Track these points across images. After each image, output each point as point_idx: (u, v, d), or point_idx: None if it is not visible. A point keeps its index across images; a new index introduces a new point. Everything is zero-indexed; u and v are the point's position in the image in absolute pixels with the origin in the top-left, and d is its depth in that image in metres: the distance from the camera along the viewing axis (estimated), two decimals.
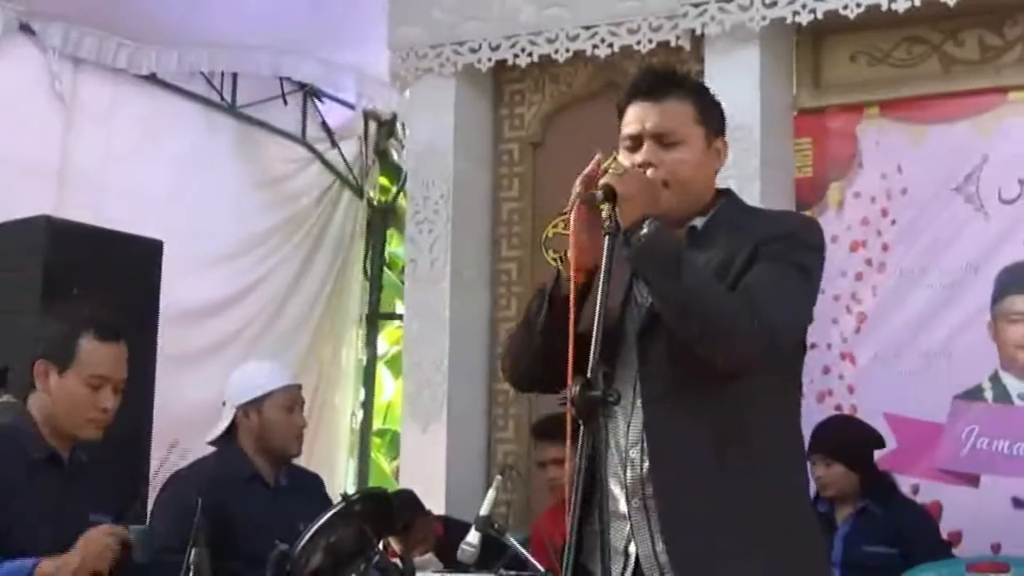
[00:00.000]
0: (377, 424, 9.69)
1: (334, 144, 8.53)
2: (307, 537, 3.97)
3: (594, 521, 2.81)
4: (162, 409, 6.49)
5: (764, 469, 2.97)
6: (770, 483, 2.97)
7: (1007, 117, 6.02)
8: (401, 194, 8.56)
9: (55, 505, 4.11)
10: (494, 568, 4.69)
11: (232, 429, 5.01)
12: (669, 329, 2.92)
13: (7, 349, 5.21)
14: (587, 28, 6.43)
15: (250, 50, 7.61)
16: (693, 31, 6.20)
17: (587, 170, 2.94)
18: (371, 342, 8.83)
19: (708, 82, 6.06)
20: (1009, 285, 5.95)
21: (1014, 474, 5.81)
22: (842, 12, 5.94)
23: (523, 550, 4.64)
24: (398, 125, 8.70)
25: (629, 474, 2.99)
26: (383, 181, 9.18)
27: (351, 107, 8.47)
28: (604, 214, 2.86)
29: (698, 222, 3.09)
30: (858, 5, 5.90)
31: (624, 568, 3.00)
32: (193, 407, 6.47)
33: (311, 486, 5.20)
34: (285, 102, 8.17)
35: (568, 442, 2.74)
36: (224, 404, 5.06)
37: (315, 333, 8.24)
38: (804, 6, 6.00)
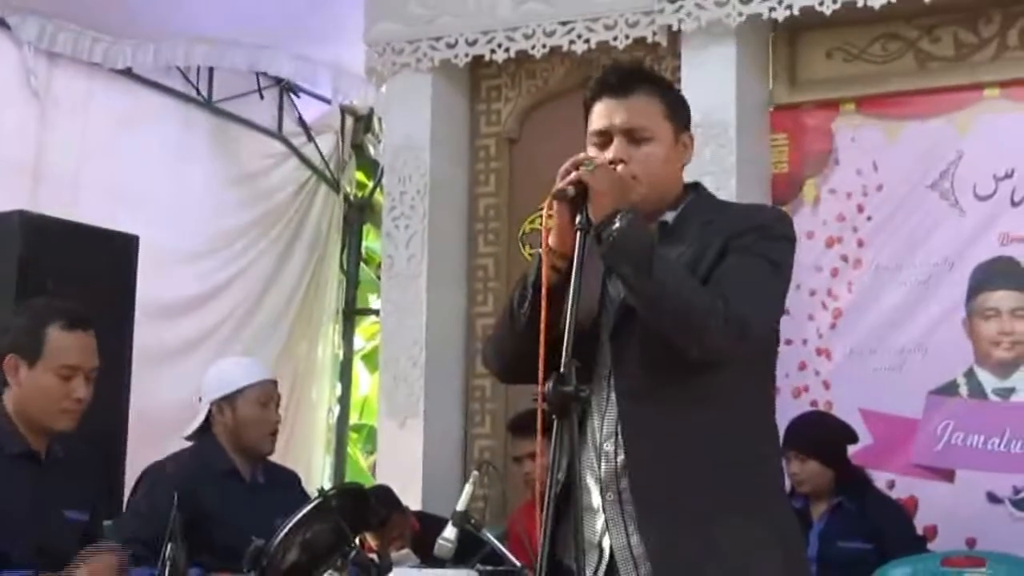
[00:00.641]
0: (354, 419, 9.69)
1: (310, 139, 8.52)
2: (283, 532, 3.96)
3: (569, 515, 2.81)
4: (138, 405, 6.48)
5: (739, 462, 2.97)
6: (745, 476, 2.98)
7: (982, 114, 6.04)
8: (378, 189, 8.55)
9: (32, 501, 4.10)
10: (471, 563, 4.69)
11: (208, 425, 5.01)
12: (642, 323, 2.93)
13: None
14: (564, 24, 6.43)
15: (226, 45, 7.60)
16: (670, 27, 6.20)
17: (564, 166, 2.94)
18: (348, 337, 8.83)
19: (685, 78, 6.16)
20: (983, 281, 5.97)
21: (989, 469, 5.84)
22: (818, 8, 5.95)
23: (500, 545, 4.64)
24: (375, 120, 8.69)
25: (603, 467, 2.99)
26: (360, 176, 9.17)
27: (327, 102, 8.46)
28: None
29: (668, 217, 3.10)
30: (834, 1, 5.91)
31: (599, 561, 3.01)
32: (170, 403, 6.46)
33: (288, 482, 5.20)
34: (261, 97, 8.16)
35: (539, 437, 2.74)
36: (200, 400, 5.06)
37: (292, 328, 8.23)
38: (780, 2, 6.01)
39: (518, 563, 4.41)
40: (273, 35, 7.60)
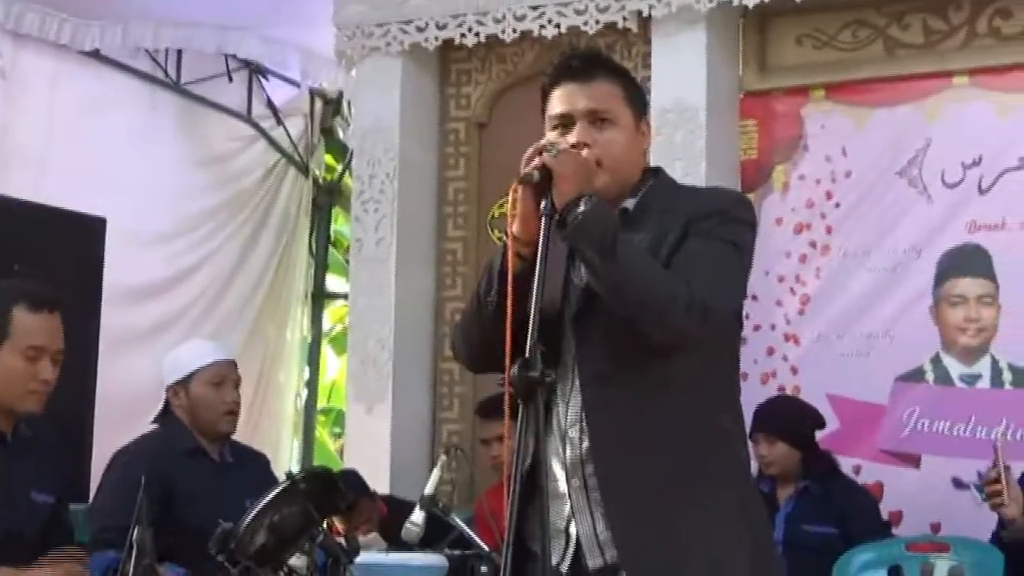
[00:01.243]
0: (322, 403, 9.68)
1: (279, 122, 8.50)
2: (251, 515, 3.96)
3: (535, 501, 2.81)
4: (106, 388, 6.47)
5: (704, 446, 2.98)
6: (710, 461, 2.98)
7: (951, 101, 6.07)
8: (347, 173, 8.53)
9: None
10: (438, 547, 4.70)
11: (169, 408, 5.00)
12: (606, 308, 2.93)
13: None
14: (534, 8, 6.42)
15: (195, 27, 7.56)
16: (640, 12, 6.20)
17: (528, 152, 2.93)
18: (316, 321, 8.81)
19: (655, 64, 6.17)
20: (951, 268, 6.00)
21: (954, 455, 5.87)
22: None
23: (467, 529, 4.65)
24: (344, 103, 8.67)
25: (569, 453, 2.99)
26: (328, 159, 9.15)
27: (296, 85, 8.43)
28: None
29: (629, 204, 3.09)
30: None
31: (566, 547, 3.01)
32: (138, 386, 6.44)
33: (256, 464, 5.19)
34: (230, 79, 8.12)
35: (506, 422, 2.74)
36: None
37: (260, 312, 8.21)
38: None
39: (486, 547, 4.42)
40: (242, 17, 7.57)
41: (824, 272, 6.23)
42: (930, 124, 6.07)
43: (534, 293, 2.75)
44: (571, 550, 3.01)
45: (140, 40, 7.41)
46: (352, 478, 5.34)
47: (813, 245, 6.25)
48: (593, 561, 2.98)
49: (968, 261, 5.97)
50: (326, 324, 9.36)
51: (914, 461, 5.97)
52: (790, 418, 5.61)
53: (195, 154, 7.94)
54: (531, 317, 2.72)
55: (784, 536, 5.41)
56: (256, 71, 8.32)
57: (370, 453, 6.55)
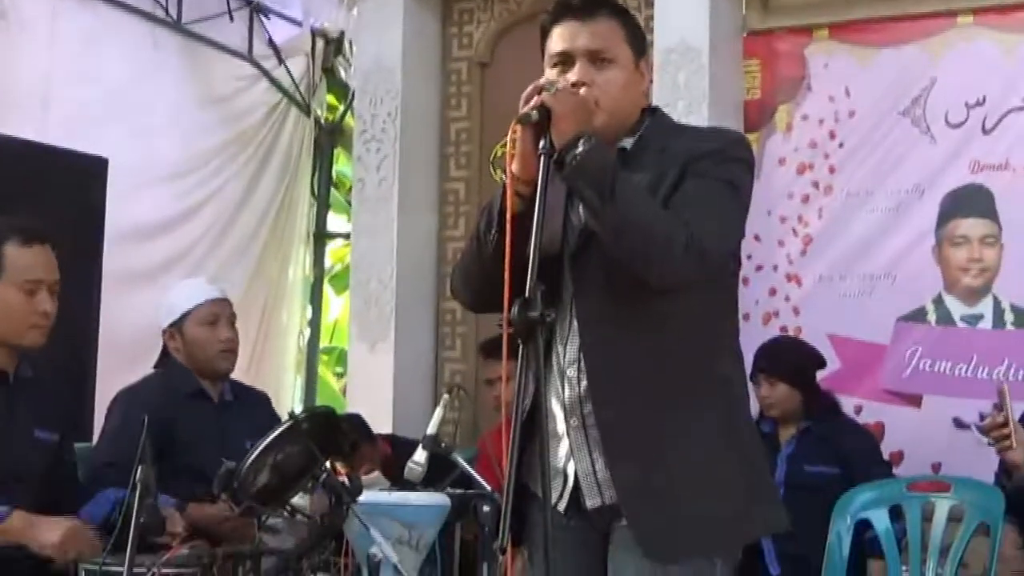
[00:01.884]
0: (324, 342, 9.68)
1: (281, 62, 8.45)
2: (254, 455, 3.96)
3: (535, 441, 2.82)
4: (110, 329, 6.46)
5: (702, 386, 2.98)
6: (709, 401, 2.99)
7: (955, 41, 6.04)
8: (349, 113, 8.50)
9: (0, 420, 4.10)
10: (441, 486, 4.71)
11: (167, 352, 5.01)
12: (604, 248, 2.92)
13: None
14: None
15: None
16: None
17: (527, 91, 2.92)
18: (318, 261, 8.81)
19: (659, 3, 6.13)
20: (953, 209, 5.99)
21: (956, 395, 5.88)
22: None
23: (470, 468, 4.66)
24: (346, 43, 8.62)
25: (567, 393, 3.00)
26: (330, 99, 9.10)
27: (298, 24, 8.38)
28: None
29: (627, 143, 3.08)
30: None
31: (563, 487, 3.03)
32: (141, 326, 6.44)
33: (258, 403, 5.20)
34: (231, 18, 8.07)
35: (505, 362, 2.74)
36: None
37: (262, 252, 8.20)
38: None
39: (488, 486, 4.43)
40: None
41: (826, 212, 6.22)
42: (934, 64, 6.05)
43: (533, 233, 2.74)
44: (568, 489, 3.02)
45: None
46: (356, 424, 5.36)
47: (816, 185, 6.24)
48: (591, 501, 3.00)
49: (971, 201, 5.97)
50: (327, 264, 9.36)
51: (915, 401, 5.98)
52: (791, 359, 5.62)
53: (197, 94, 7.91)
54: (531, 257, 2.72)
55: (785, 477, 5.43)
56: (257, 10, 8.27)
57: (373, 392, 6.57)
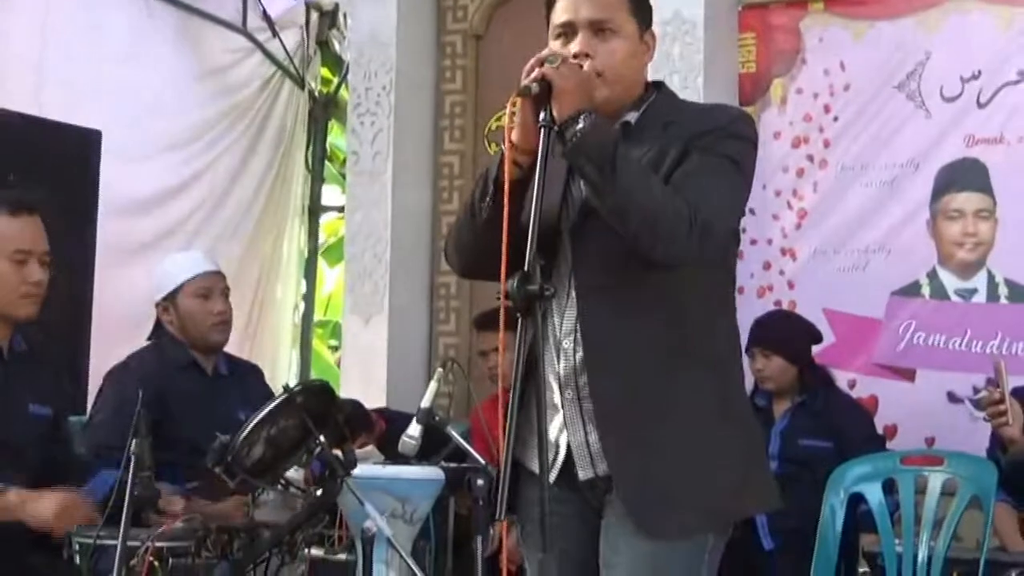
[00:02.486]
0: (318, 316, 9.68)
1: (275, 34, 8.42)
2: (248, 428, 3.96)
3: (531, 414, 2.82)
4: (104, 302, 6.45)
5: (698, 360, 2.98)
6: (704, 375, 2.99)
7: (950, 15, 6.02)
8: (343, 86, 8.48)
9: None
10: (435, 460, 4.72)
11: (161, 325, 5.01)
12: (603, 222, 2.91)
13: None
14: None
15: None
16: None
17: (529, 63, 2.91)
18: (313, 234, 8.80)
19: None
20: (948, 182, 5.99)
21: (949, 369, 5.89)
22: None
23: (464, 442, 4.67)
24: (340, 15, 8.59)
25: (563, 365, 2.99)
26: (325, 72, 9.08)
27: None
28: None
29: (631, 117, 3.06)
30: None
31: (555, 458, 3.02)
32: (135, 300, 6.43)
33: (251, 376, 5.20)
34: None
35: (502, 335, 2.74)
36: None
37: (257, 225, 8.19)
38: None
39: (482, 460, 4.43)
40: None
41: (821, 186, 6.22)
42: (929, 37, 6.04)
43: (533, 205, 2.74)
44: (560, 461, 3.02)
45: None
46: (357, 413, 5.38)
47: (811, 159, 6.24)
48: (584, 473, 3.00)
49: (966, 175, 5.96)
50: (321, 237, 9.34)
51: (909, 375, 5.99)
52: (787, 333, 5.63)
53: (191, 66, 7.88)
54: (530, 230, 2.71)
55: (779, 450, 5.45)
56: None
57: (367, 366, 6.57)
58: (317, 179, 8.72)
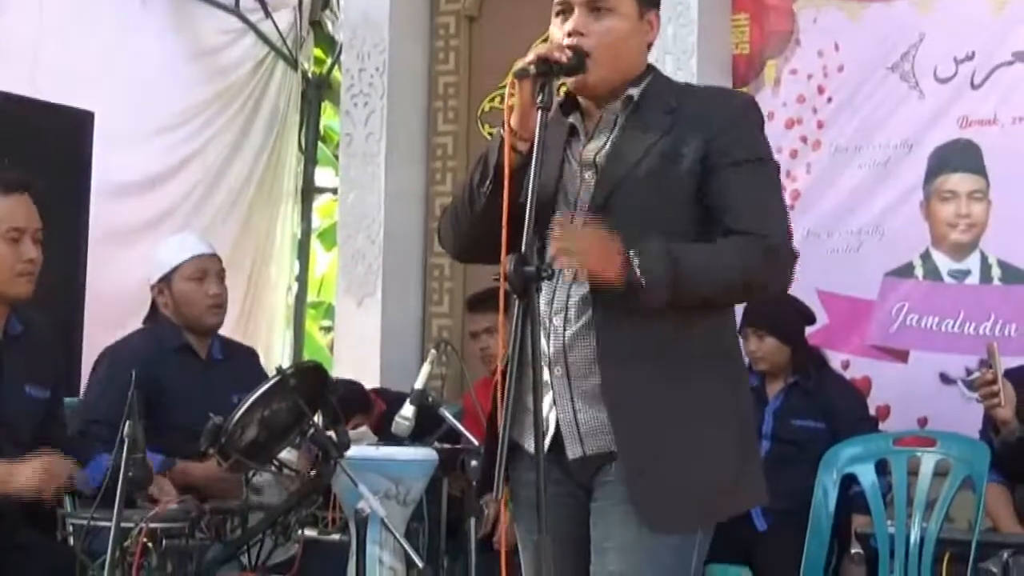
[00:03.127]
0: (311, 298, 9.67)
1: (268, 15, 8.40)
2: (242, 410, 3.97)
3: (525, 394, 2.82)
4: (96, 285, 6.45)
5: (691, 334, 2.97)
6: (698, 348, 2.99)
7: None
8: (336, 67, 8.46)
9: None
10: (428, 441, 4.73)
11: (156, 308, 5.00)
12: (597, 204, 2.93)
13: None
14: None
15: None
16: None
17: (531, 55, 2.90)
18: (306, 216, 8.79)
19: None
20: (942, 164, 5.99)
21: (942, 350, 5.90)
22: None
23: (457, 423, 4.67)
24: None
25: (552, 343, 2.99)
26: (317, 53, 9.06)
27: None
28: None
29: (634, 92, 3.04)
30: None
31: (545, 434, 3.01)
32: (129, 283, 6.43)
33: (245, 359, 5.20)
34: None
35: (501, 317, 2.74)
36: None
37: (251, 207, 8.17)
38: None
39: (475, 441, 4.44)
40: None
41: (815, 167, 6.22)
42: (923, 18, 6.03)
43: (530, 187, 2.74)
44: (549, 438, 3.00)
45: None
46: (355, 392, 5.40)
47: (804, 140, 6.24)
48: (572, 451, 3.01)
49: (959, 157, 5.96)
50: (315, 218, 9.34)
51: (902, 356, 6.00)
52: (780, 313, 5.62)
53: (183, 48, 7.86)
54: (527, 211, 2.71)
55: (772, 431, 5.45)
56: None
57: (360, 348, 6.58)
58: (310, 161, 8.71)
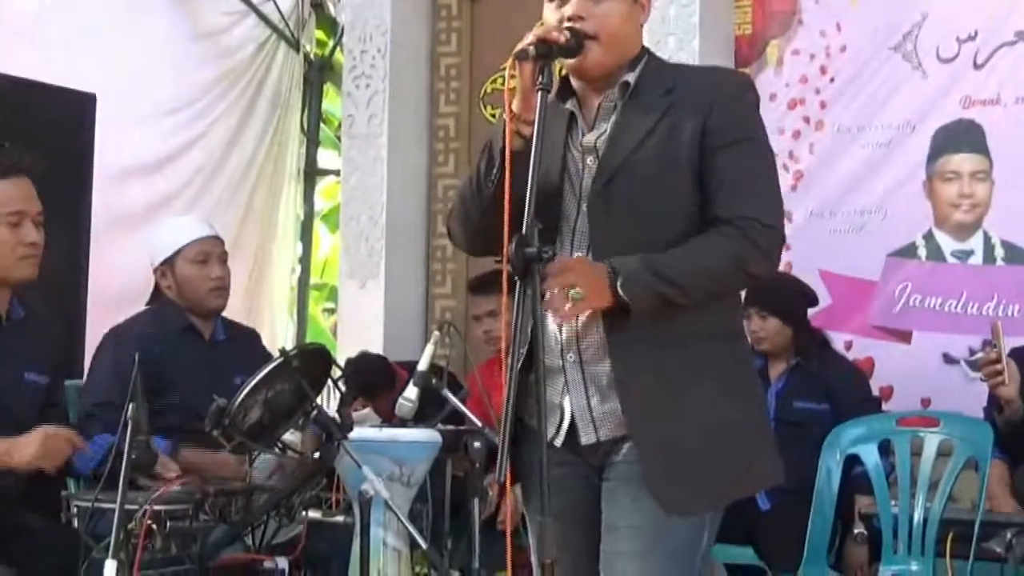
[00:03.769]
0: (314, 280, 9.67)
1: None
2: (245, 392, 3.97)
3: (530, 377, 2.82)
4: (101, 269, 6.44)
5: (700, 318, 2.97)
6: (707, 331, 2.99)
7: None
8: (338, 48, 8.45)
9: None
10: (432, 423, 4.73)
11: (159, 290, 5.00)
12: (621, 194, 2.94)
13: None
14: None
15: None
16: None
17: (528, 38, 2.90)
18: (309, 198, 8.78)
19: None
20: (944, 144, 5.98)
21: (945, 330, 5.90)
22: None
23: (461, 405, 4.67)
24: None
25: (564, 329, 2.99)
26: (319, 35, 9.05)
27: None
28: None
29: (630, 77, 3.05)
30: None
31: (560, 422, 3.03)
32: (132, 267, 6.42)
33: (248, 340, 5.20)
34: None
35: (504, 299, 2.74)
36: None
37: (254, 190, 8.16)
38: None
39: (479, 422, 4.44)
40: None
41: (817, 148, 6.22)
42: None
43: (531, 169, 2.73)
44: (565, 425, 3.03)
45: None
46: (382, 365, 5.40)
47: (807, 121, 6.23)
48: (586, 437, 3.01)
49: (962, 137, 5.96)
50: (318, 202, 9.33)
51: (905, 337, 6.00)
52: (783, 294, 5.61)
53: (186, 30, 7.84)
54: (528, 193, 2.71)
55: (775, 412, 5.45)
56: None
57: (363, 330, 6.58)
58: (313, 142, 8.70)
